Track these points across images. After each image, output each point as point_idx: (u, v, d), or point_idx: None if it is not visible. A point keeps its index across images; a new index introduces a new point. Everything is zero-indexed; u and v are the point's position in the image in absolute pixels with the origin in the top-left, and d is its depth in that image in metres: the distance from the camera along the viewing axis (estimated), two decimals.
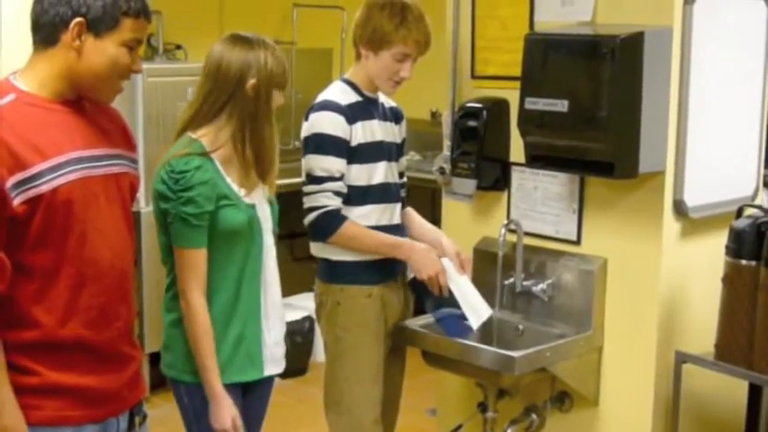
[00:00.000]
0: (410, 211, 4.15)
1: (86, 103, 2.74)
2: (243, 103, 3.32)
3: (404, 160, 4.12)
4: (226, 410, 3.31)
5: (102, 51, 2.64)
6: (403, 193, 4.10)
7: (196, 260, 3.27)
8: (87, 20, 2.62)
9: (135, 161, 2.89)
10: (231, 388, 3.38)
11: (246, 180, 3.35)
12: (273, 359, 3.51)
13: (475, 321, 3.83)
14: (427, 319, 4.05)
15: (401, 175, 4.09)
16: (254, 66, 3.32)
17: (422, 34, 3.79)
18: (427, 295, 3.90)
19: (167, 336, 3.43)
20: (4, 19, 4.54)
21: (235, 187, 3.33)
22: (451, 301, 3.86)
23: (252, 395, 3.54)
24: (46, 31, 2.63)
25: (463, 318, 3.84)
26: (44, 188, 2.55)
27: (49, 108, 2.63)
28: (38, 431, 2.64)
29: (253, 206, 3.38)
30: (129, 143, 2.89)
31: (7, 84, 2.65)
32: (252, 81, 3.31)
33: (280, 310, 3.55)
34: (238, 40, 3.37)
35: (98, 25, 2.63)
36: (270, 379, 3.57)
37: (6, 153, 2.50)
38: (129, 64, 2.71)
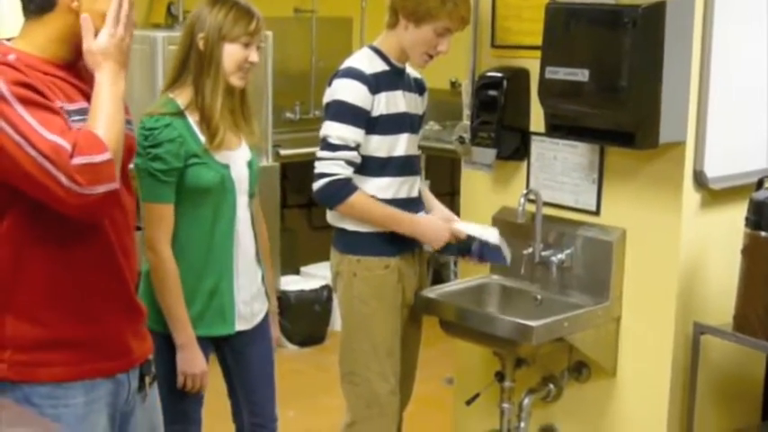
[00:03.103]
0: (424, 188, 4.14)
1: (82, 65, 2.74)
2: (196, 57, 3.41)
3: (420, 133, 4.10)
4: (198, 356, 3.41)
5: (99, 11, 2.63)
6: None
7: (163, 214, 3.36)
8: None
9: (130, 122, 2.88)
10: (202, 342, 3.47)
11: (207, 135, 3.40)
12: (242, 316, 3.56)
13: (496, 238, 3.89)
14: (445, 288, 4.08)
15: None
16: (205, 20, 3.40)
17: (467, 10, 3.78)
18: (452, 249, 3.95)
19: (141, 288, 3.47)
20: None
21: (205, 143, 3.39)
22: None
23: (224, 350, 3.63)
24: None
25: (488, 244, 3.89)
26: None
27: (49, 69, 2.63)
28: (52, 388, 2.66)
29: (226, 166, 3.45)
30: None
31: (4, 46, 2.65)
32: (201, 34, 3.39)
33: (252, 269, 3.60)
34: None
35: None
36: (244, 334, 3.60)
37: (35, 90, 2.51)
38: None
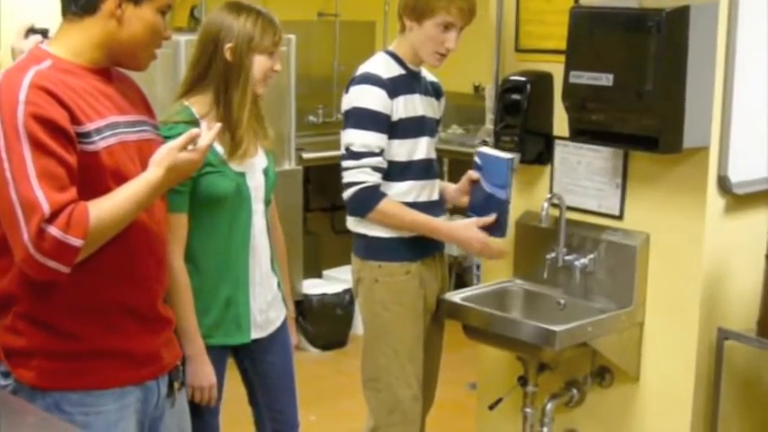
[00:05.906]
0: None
1: (113, 71, 2.77)
2: (221, 66, 3.37)
3: (436, 137, 4.09)
4: (207, 369, 3.36)
5: (142, 18, 2.68)
6: None
7: (176, 224, 3.29)
8: None
9: (157, 127, 2.93)
10: (218, 350, 3.44)
11: (231, 146, 3.37)
12: (257, 324, 3.53)
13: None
14: (467, 292, 4.09)
15: None
16: (232, 29, 3.36)
17: (464, 1, 3.75)
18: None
19: None
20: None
21: (223, 154, 3.36)
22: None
23: (242, 358, 3.62)
24: (84, 0, 2.64)
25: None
26: (91, 148, 2.58)
27: (82, 75, 2.65)
28: (83, 396, 2.67)
29: (242, 174, 3.42)
30: (150, 110, 2.94)
31: (41, 51, 2.67)
32: (229, 44, 3.35)
33: (268, 277, 3.57)
34: (228, 5, 3.42)
35: None
36: (261, 341, 3.58)
37: (61, 106, 2.52)
38: (162, 30, 2.75)
